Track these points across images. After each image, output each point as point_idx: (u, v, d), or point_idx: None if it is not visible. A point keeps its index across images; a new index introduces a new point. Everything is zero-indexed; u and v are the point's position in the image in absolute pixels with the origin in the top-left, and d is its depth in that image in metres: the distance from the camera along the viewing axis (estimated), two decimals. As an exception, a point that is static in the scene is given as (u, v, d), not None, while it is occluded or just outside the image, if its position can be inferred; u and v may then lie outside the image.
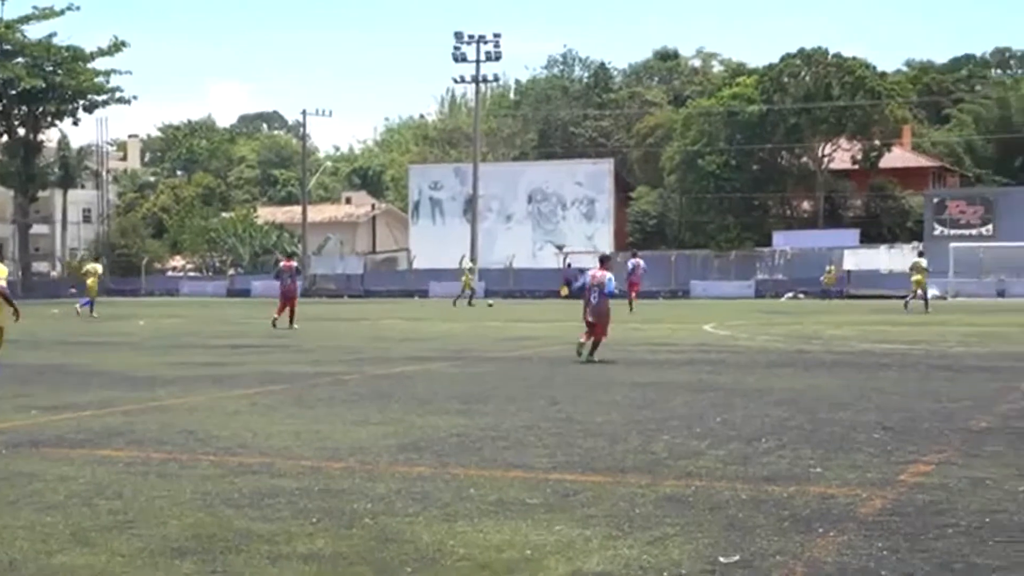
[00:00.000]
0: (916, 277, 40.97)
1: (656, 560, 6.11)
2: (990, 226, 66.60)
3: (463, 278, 51.16)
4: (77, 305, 40.71)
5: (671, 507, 7.39)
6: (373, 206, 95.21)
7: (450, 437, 10.41)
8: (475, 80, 74.40)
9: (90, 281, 39.38)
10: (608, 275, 19.47)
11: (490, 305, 48.31)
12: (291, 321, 29.77)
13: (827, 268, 61.19)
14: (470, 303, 48.45)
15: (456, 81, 75.76)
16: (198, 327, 32.35)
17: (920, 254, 45.52)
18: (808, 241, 71.42)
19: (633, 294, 40.44)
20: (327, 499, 7.66)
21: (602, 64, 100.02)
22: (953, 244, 61.21)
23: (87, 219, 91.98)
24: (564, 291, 64.12)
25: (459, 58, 73.15)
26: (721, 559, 6.13)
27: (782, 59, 78.91)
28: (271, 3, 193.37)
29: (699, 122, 78.51)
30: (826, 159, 78.77)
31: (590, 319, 19.45)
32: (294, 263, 32.00)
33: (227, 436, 10.52)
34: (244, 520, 7.04)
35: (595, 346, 19.26)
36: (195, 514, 7.23)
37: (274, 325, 29.74)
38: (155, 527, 6.87)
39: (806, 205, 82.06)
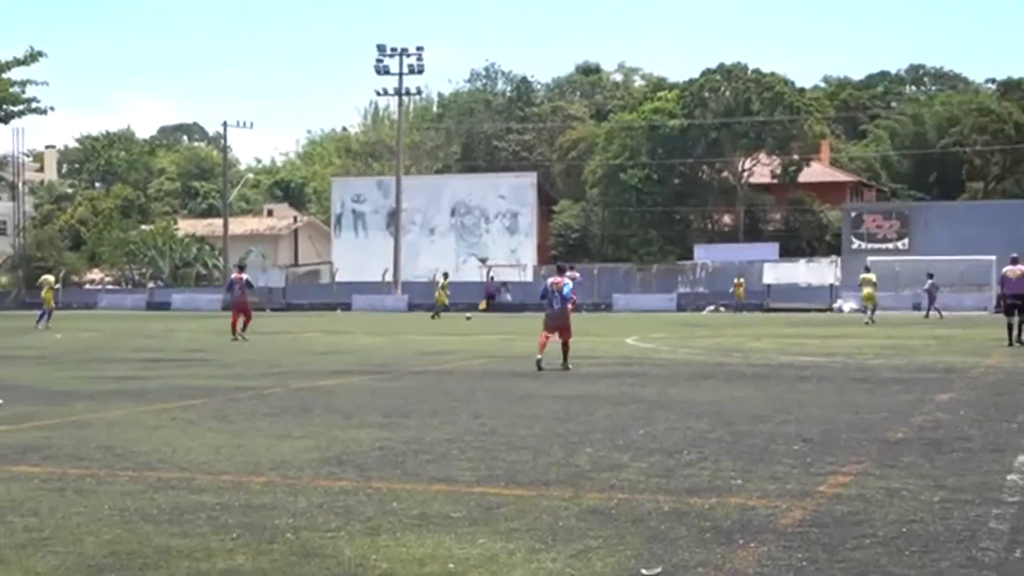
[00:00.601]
0: (866, 291, 42.09)
1: (579, 573, 6.12)
2: (906, 240, 67.71)
3: (436, 293, 51.83)
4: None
5: (594, 520, 7.41)
6: (295, 219, 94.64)
7: (373, 451, 10.36)
8: (398, 93, 74.39)
9: (44, 293, 39.29)
10: (567, 282, 20.43)
11: (468, 319, 48.35)
12: (244, 328, 31.13)
13: (735, 281, 61.83)
14: (434, 316, 48.96)
15: (379, 94, 75.80)
16: (117, 341, 31.93)
17: (867, 268, 46.32)
18: (728, 255, 72.19)
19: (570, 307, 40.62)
20: (248, 514, 7.59)
21: (524, 78, 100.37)
22: (870, 258, 62.09)
23: (2, 231, 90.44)
24: (483, 305, 64.27)
25: (382, 71, 73.10)
26: (643, 571, 6.16)
27: (703, 74, 79.76)
28: (193, 15, 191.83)
29: (621, 136, 79.07)
30: (746, 173, 79.70)
31: (552, 325, 20.30)
32: (245, 275, 33.07)
33: (146, 451, 10.39)
34: (163, 536, 6.95)
35: (565, 352, 20.11)
36: (113, 530, 7.13)
37: (234, 337, 30.61)
38: (72, 544, 6.76)
39: (727, 219, 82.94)
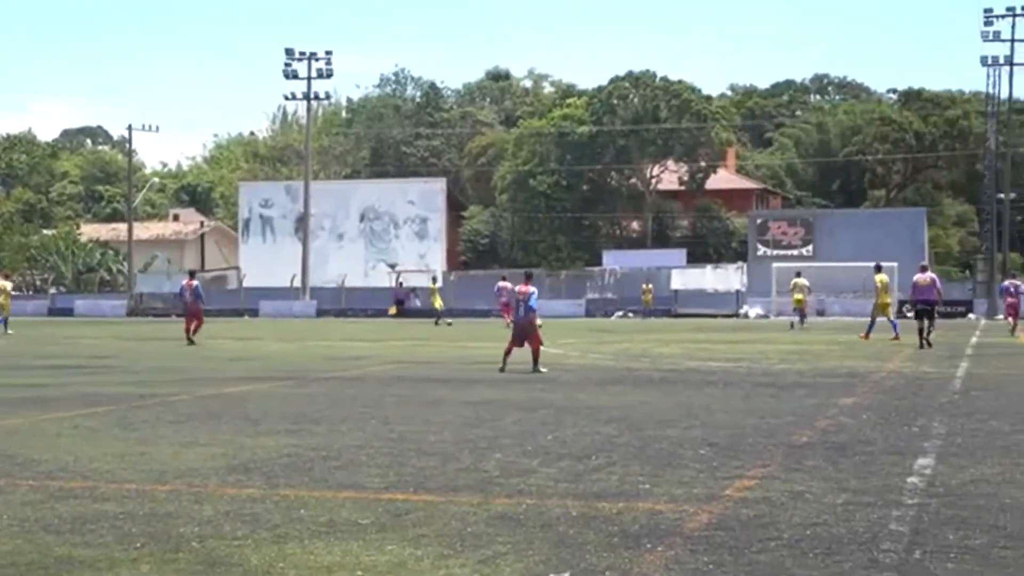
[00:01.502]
0: (797, 296, 42.87)
1: (487, 578, 6.13)
2: (810, 247, 68.67)
3: (432, 297, 51.40)
4: None
5: (502, 525, 7.42)
6: (202, 223, 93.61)
7: (280, 458, 10.28)
8: (306, 97, 73.93)
9: (0, 299, 38.78)
10: (532, 290, 21.07)
11: (449, 324, 48.06)
12: (195, 332, 31.93)
13: (644, 287, 62.27)
14: (437, 323, 48.82)
15: (287, 98, 75.28)
16: (18, 347, 31.30)
17: (798, 274, 46.86)
18: (637, 261, 72.71)
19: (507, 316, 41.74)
20: (152, 523, 7.49)
21: (433, 84, 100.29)
22: (775, 264, 62.90)
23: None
24: (393, 310, 64.07)
25: (290, 75, 72.60)
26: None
27: (611, 81, 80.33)
28: (96, 17, 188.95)
29: (530, 142, 79.32)
30: (654, 180, 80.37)
31: (518, 334, 20.97)
32: (195, 282, 33.64)
33: (48, 460, 10.20)
34: (65, 546, 6.83)
35: (535, 358, 20.65)
36: (13, 541, 6.99)
37: (189, 342, 31.24)
38: (-30, 555, 6.62)
39: (635, 225, 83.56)
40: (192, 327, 32.04)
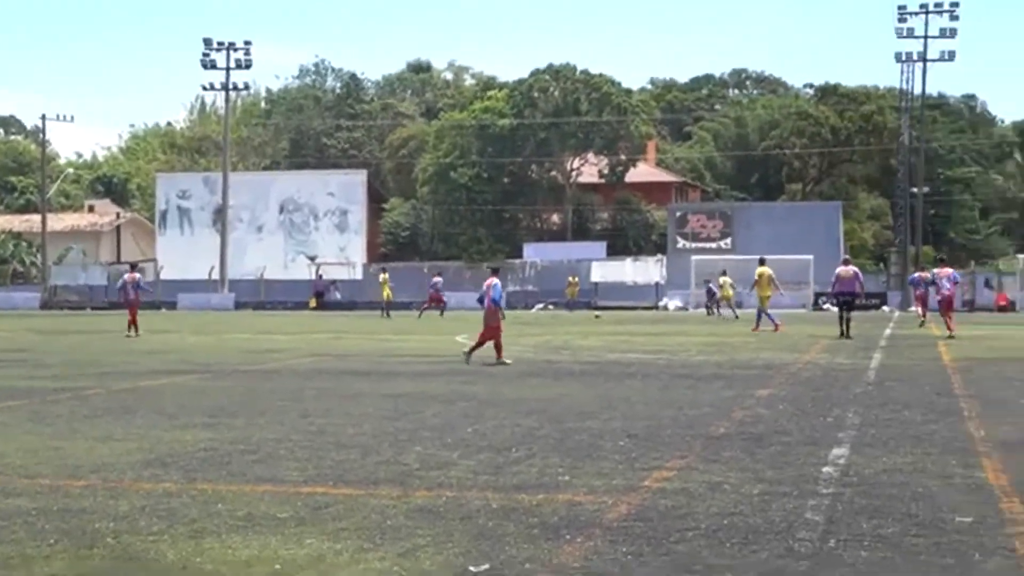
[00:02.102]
0: (726, 292, 44.54)
1: (407, 572, 6.12)
2: (729, 239, 69.35)
3: (384, 290, 50.84)
4: None
5: (422, 518, 7.42)
6: (118, 215, 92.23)
7: (197, 452, 10.18)
8: (225, 88, 73.20)
9: None
10: (496, 283, 21.37)
11: (388, 317, 47.77)
12: (132, 327, 31.83)
13: (569, 280, 62.49)
14: (385, 315, 48.79)
15: (205, 88, 74.51)
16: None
17: (723, 272, 47.66)
18: (557, 253, 72.91)
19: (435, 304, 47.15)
20: (66, 519, 7.38)
21: (354, 75, 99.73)
22: (694, 257, 63.46)
23: None
24: (313, 303, 63.72)
25: (208, 65, 71.86)
26: (471, 568, 6.19)
27: (532, 74, 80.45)
28: (8, 4, 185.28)
29: (451, 135, 79.22)
30: (574, 173, 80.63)
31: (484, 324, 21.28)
32: (137, 275, 33.81)
33: (-42, 455, 10.01)
34: (-24, 543, 6.71)
35: (475, 346, 20.99)
36: (-78, 538, 6.86)
37: (131, 334, 31.46)
38: None
39: (555, 218, 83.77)
40: (130, 319, 32.20)
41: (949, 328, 30.22)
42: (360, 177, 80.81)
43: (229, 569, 6.19)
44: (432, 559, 6.39)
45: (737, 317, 43.41)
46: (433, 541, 6.79)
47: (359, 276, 72.25)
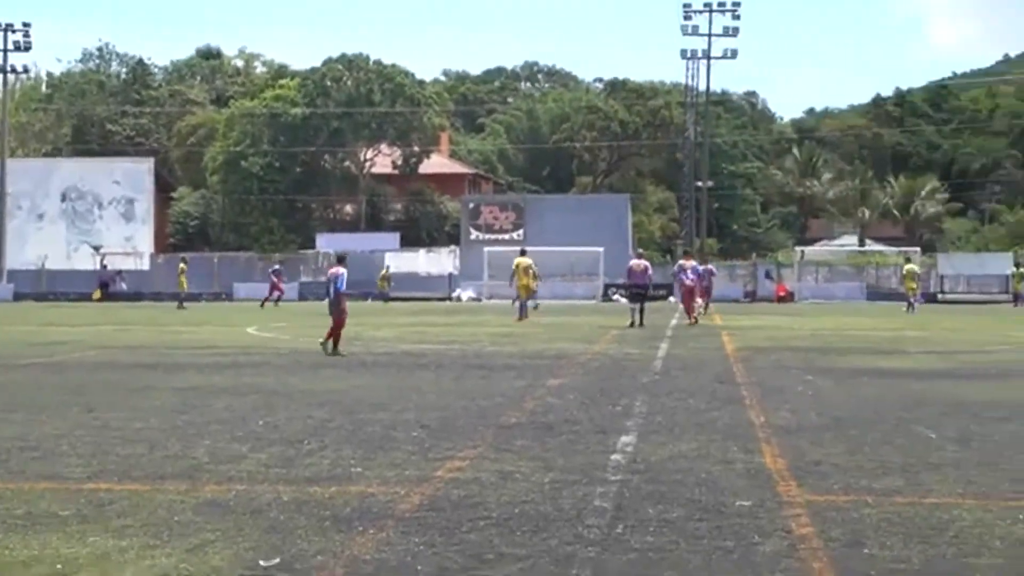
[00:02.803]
0: (523, 281, 43.98)
1: (195, 568, 6.02)
2: (521, 231, 70.04)
3: (179, 279, 48.89)
4: None
5: (211, 513, 7.30)
6: None
7: (-27, 449, 9.79)
8: (2, 71, 70.39)
9: None
10: (342, 272, 21.34)
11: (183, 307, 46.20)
12: None
13: (383, 272, 61.49)
14: (181, 306, 47.16)
15: (-19, 71, 71.37)
16: None
17: (523, 252, 47.63)
18: (351, 244, 72.33)
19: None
20: None
21: (141, 60, 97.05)
22: (487, 248, 63.86)
23: None
24: (97, 294, 61.84)
25: (-16, 46, 68.92)
26: (262, 563, 6.13)
27: (325, 63, 79.75)
28: None
29: (242, 123, 77.92)
30: (368, 163, 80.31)
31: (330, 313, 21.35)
32: None
33: None
34: None
35: (335, 339, 20.84)
36: None
37: None
38: None
39: (349, 208, 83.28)
40: None
41: (689, 315, 31.83)
42: (147, 165, 78.60)
43: (8, 569, 5.98)
44: (221, 554, 6.30)
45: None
46: (222, 536, 6.69)
47: (146, 267, 70.39)
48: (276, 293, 48.94)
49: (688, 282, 32.35)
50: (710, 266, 42.14)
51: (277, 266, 50.17)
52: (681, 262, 33.80)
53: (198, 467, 8.96)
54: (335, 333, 21.01)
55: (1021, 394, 14.04)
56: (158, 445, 10.02)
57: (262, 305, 46.94)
